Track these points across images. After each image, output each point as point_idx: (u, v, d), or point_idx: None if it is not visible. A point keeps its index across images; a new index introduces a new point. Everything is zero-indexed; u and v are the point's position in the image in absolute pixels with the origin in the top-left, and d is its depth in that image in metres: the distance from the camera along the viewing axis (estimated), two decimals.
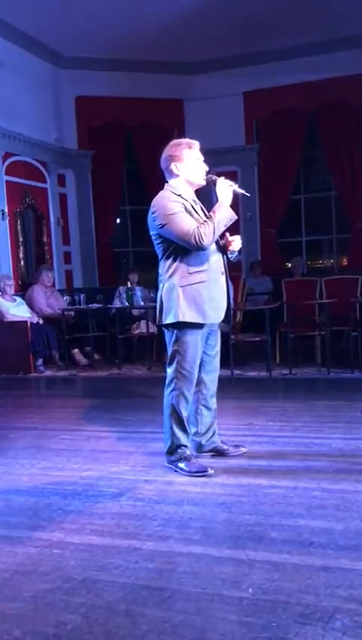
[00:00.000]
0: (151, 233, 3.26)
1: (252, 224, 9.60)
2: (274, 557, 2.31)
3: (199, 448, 3.50)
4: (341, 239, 9.68)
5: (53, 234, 8.98)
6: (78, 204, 9.45)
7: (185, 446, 3.27)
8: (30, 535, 2.64)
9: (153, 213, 3.20)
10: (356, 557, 2.27)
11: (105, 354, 7.65)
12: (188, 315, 3.16)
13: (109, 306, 7.69)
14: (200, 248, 3.11)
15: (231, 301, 3.37)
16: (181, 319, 3.17)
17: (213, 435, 3.49)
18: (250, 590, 2.07)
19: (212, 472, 3.21)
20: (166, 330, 3.29)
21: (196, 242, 3.07)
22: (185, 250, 3.15)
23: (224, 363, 6.37)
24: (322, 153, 9.37)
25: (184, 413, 3.26)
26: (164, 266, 3.24)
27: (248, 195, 3.33)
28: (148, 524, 2.71)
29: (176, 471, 3.26)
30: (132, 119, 9.20)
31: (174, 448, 3.27)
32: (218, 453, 3.49)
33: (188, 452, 3.28)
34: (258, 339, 6.40)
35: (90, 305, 7.62)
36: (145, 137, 9.23)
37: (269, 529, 2.55)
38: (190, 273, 3.17)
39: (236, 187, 3.25)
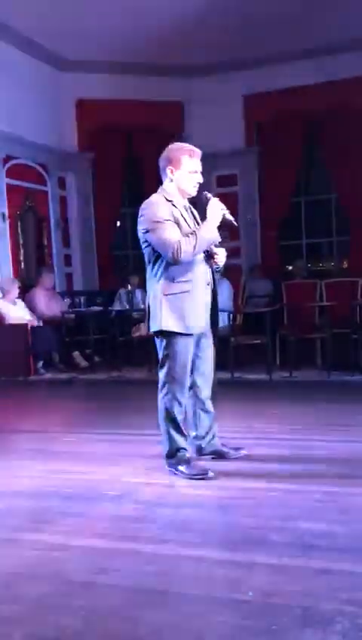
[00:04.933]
0: (139, 235, 3.25)
1: (252, 227, 9.60)
2: (275, 560, 2.30)
3: (199, 451, 3.49)
4: (341, 242, 9.68)
5: (54, 236, 8.98)
6: (79, 207, 9.45)
7: (184, 448, 3.27)
8: (31, 538, 2.64)
9: (141, 216, 3.20)
10: (356, 560, 2.27)
11: (106, 356, 7.65)
12: (171, 324, 3.17)
13: (110, 308, 7.69)
14: (176, 262, 3.10)
15: (216, 309, 3.37)
16: (163, 328, 3.18)
17: (212, 438, 3.48)
18: (250, 593, 2.07)
19: (212, 474, 3.20)
20: (156, 337, 3.30)
21: (173, 256, 3.07)
22: None
23: (224, 365, 6.45)
24: (322, 156, 9.37)
25: (179, 417, 3.26)
26: (151, 272, 3.24)
27: (236, 224, 3.29)
28: (148, 527, 2.71)
29: (176, 474, 3.26)
30: (132, 122, 9.19)
31: (173, 452, 3.26)
32: (218, 455, 3.49)
33: (187, 455, 3.28)
34: (258, 341, 6.40)
35: (91, 307, 7.62)
36: (145, 140, 9.23)
37: (269, 532, 2.54)
38: (174, 282, 3.17)
39: (227, 213, 3.22)
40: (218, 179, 9.65)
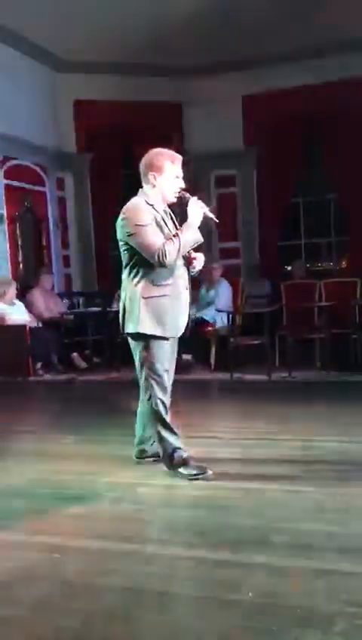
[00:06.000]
0: (118, 237, 3.26)
1: (251, 227, 9.61)
2: (274, 560, 2.30)
3: (141, 454, 3.49)
4: (340, 242, 9.69)
5: (52, 237, 8.98)
6: (77, 208, 9.44)
7: (179, 448, 3.25)
8: (29, 539, 2.63)
9: (123, 219, 3.22)
10: (356, 561, 2.26)
11: (105, 357, 7.64)
12: (149, 328, 3.17)
13: (108, 309, 7.68)
14: (161, 265, 3.12)
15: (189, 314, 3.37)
16: (140, 330, 3.18)
17: (154, 441, 3.40)
18: (250, 594, 2.06)
19: (211, 473, 3.20)
20: (132, 339, 3.28)
21: (159, 259, 3.09)
22: (150, 261, 3.15)
23: (223, 366, 6.45)
24: (321, 156, 9.37)
25: (166, 417, 3.24)
26: (129, 274, 3.24)
27: (217, 221, 3.31)
28: (147, 528, 2.70)
29: (175, 475, 3.25)
30: (131, 123, 9.19)
31: (170, 453, 3.25)
32: (160, 458, 3.39)
33: (184, 455, 3.26)
34: (257, 342, 6.40)
35: (89, 308, 7.62)
36: (144, 141, 9.19)
37: (269, 532, 2.54)
38: (154, 285, 3.18)
39: (207, 210, 3.24)
40: (217, 179, 9.66)
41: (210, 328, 6.95)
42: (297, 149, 9.33)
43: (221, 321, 6.92)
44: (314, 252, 10.11)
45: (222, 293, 7.30)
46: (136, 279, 3.20)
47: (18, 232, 8.24)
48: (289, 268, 9.47)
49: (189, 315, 3.39)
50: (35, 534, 2.68)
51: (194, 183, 10.06)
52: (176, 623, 1.96)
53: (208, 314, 7.09)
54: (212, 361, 6.82)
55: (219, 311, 6.95)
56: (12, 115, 7.95)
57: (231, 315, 6.78)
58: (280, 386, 5.90)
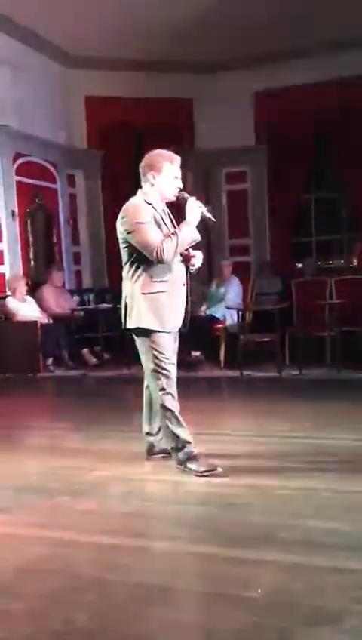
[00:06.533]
0: (118, 236, 3.33)
1: (262, 224, 9.58)
2: (284, 558, 2.30)
3: (150, 449, 3.52)
4: (351, 239, 9.63)
5: (63, 234, 9.00)
6: (88, 205, 9.46)
7: (189, 442, 3.26)
8: (39, 533, 2.65)
9: (123, 217, 3.29)
10: None
11: (115, 354, 7.65)
12: (149, 322, 3.24)
13: (118, 306, 7.67)
14: (160, 262, 3.19)
15: (188, 309, 3.41)
16: (140, 325, 3.25)
17: (163, 437, 3.42)
18: (259, 590, 2.07)
19: (221, 470, 3.20)
20: (135, 334, 3.34)
21: (157, 256, 3.16)
22: (149, 259, 3.21)
23: (233, 363, 6.44)
24: (332, 153, 9.31)
25: (175, 410, 3.26)
26: (129, 271, 3.32)
27: (214, 220, 3.40)
28: (157, 523, 2.71)
29: (184, 471, 3.26)
30: (142, 119, 9.18)
31: (180, 447, 3.26)
32: (169, 454, 3.42)
33: (195, 451, 3.27)
34: (267, 339, 6.39)
35: (100, 305, 7.63)
36: (155, 137, 9.18)
37: (278, 530, 2.54)
38: (153, 281, 3.25)
39: (205, 210, 3.32)
40: (227, 176, 9.65)
41: (220, 325, 6.94)
42: (308, 145, 9.28)
43: (231, 318, 6.91)
44: (325, 249, 10.07)
45: (232, 290, 7.29)
46: (136, 276, 3.28)
47: (29, 228, 8.27)
48: (299, 265, 9.43)
49: (189, 311, 3.44)
50: (45, 529, 2.69)
51: (204, 180, 10.12)
52: (185, 619, 1.96)
53: (218, 311, 7.09)
54: (222, 358, 6.82)
55: (229, 308, 6.94)
56: (23, 112, 7.98)
57: (240, 313, 6.77)
58: (291, 383, 5.89)
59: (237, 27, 7.97)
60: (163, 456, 3.48)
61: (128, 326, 3.32)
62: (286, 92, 8.92)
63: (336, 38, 8.23)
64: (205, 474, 3.19)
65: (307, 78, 8.65)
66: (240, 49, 8.62)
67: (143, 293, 3.25)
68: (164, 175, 3.30)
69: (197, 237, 3.29)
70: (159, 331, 3.26)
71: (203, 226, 3.35)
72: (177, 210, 3.37)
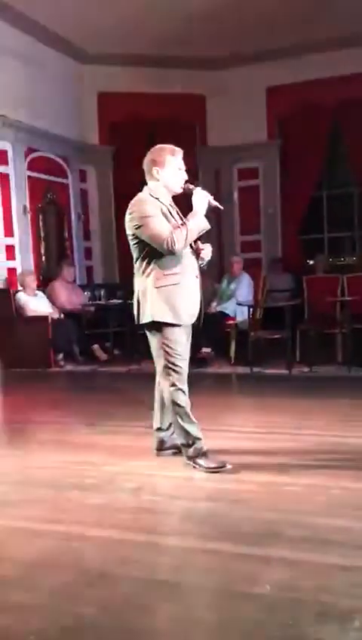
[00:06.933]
0: (127, 233, 3.32)
1: (273, 221, 9.55)
2: (292, 554, 2.30)
3: (161, 445, 3.51)
4: None
5: (74, 229, 9.02)
6: (99, 200, 9.48)
7: (199, 438, 3.27)
8: (49, 528, 2.66)
9: (130, 214, 3.28)
10: None
11: (125, 349, 7.67)
12: (163, 315, 3.22)
13: (129, 301, 7.68)
14: (171, 252, 3.18)
15: (202, 302, 3.40)
16: (155, 319, 3.24)
17: (173, 432, 3.44)
18: (267, 587, 2.07)
19: (230, 467, 3.21)
20: (148, 330, 3.33)
21: (168, 246, 3.15)
22: (160, 252, 3.21)
23: (243, 360, 6.43)
24: (345, 149, 9.26)
25: (186, 406, 3.27)
26: (140, 267, 3.31)
27: (221, 208, 3.41)
28: (166, 519, 2.72)
29: (194, 467, 3.26)
30: (154, 115, 9.16)
31: (190, 443, 3.27)
32: (179, 450, 3.43)
33: (205, 447, 3.28)
34: (278, 336, 6.37)
35: (111, 300, 7.64)
36: (167, 133, 9.16)
37: (287, 526, 2.54)
38: (164, 275, 3.24)
39: (211, 199, 3.32)
40: (239, 172, 9.62)
41: (230, 322, 6.93)
42: (321, 141, 9.23)
43: (242, 314, 6.90)
44: (337, 246, 10.02)
45: (243, 287, 7.27)
46: (148, 271, 3.27)
47: (41, 223, 8.30)
48: (311, 262, 9.39)
49: (204, 304, 3.43)
50: (55, 523, 2.71)
51: (216, 175, 10.07)
52: (193, 614, 1.97)
53: (229, 307, 7.07)
54: (232, 354, 6.81)
55: (239, 304, 6.93)
56: (36, 107, 8.00)
57: (251, 309, 6.76)
58: (301, 380, 5.87)
59: (249, 22, 7.94)
60: (173, 452, 3.50)
61: (142, 321, 3.30)
62: (299, 87, 8.87)
63: (349, 33, 8.17)
64: (215, 470, 3.20)
65: (320, 74, 8.60)
66: (252, 44, 8.58)
67: (156, 287, 3.23)
68: (167, 168, 3.31)
69: (206, 225, 3.29)
70: (173, 325, 3.24)
71: (214, 221, 3.35)
72: (186, 203, 3.35)
